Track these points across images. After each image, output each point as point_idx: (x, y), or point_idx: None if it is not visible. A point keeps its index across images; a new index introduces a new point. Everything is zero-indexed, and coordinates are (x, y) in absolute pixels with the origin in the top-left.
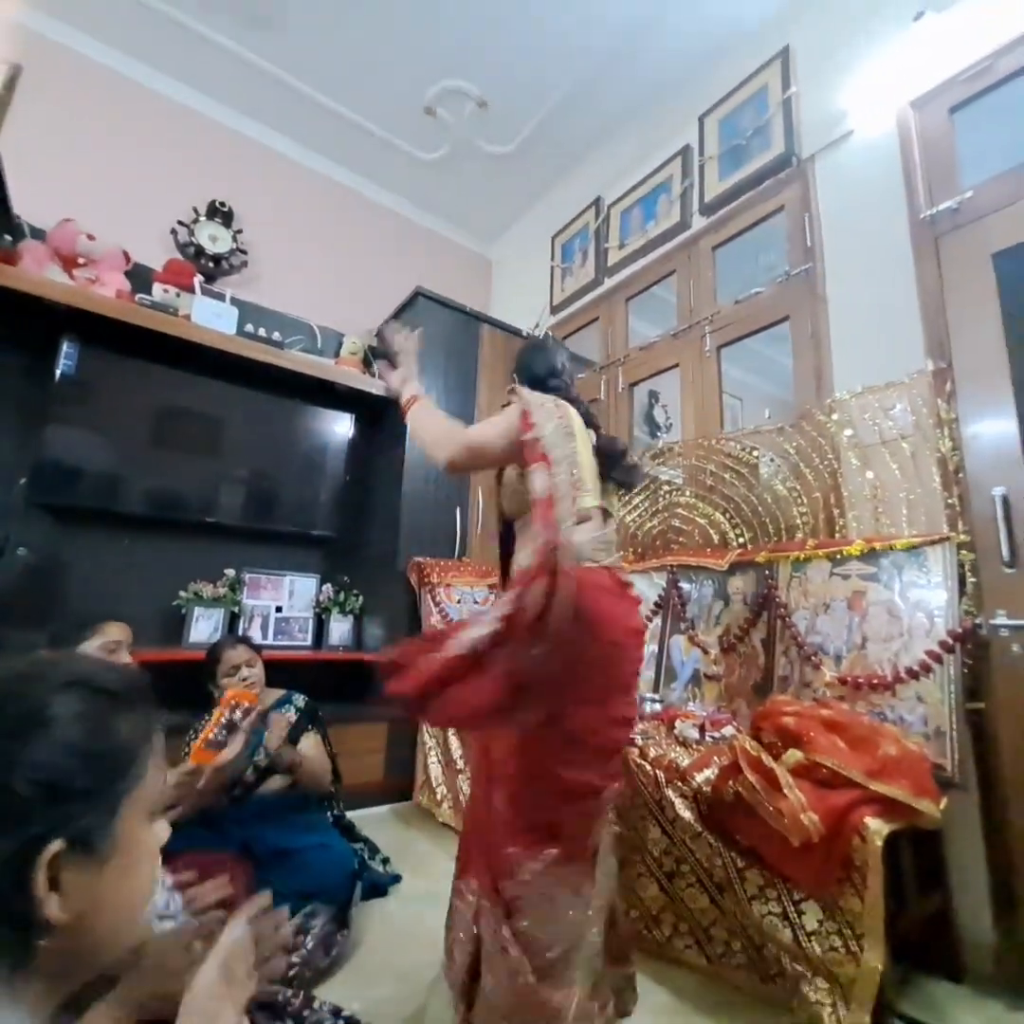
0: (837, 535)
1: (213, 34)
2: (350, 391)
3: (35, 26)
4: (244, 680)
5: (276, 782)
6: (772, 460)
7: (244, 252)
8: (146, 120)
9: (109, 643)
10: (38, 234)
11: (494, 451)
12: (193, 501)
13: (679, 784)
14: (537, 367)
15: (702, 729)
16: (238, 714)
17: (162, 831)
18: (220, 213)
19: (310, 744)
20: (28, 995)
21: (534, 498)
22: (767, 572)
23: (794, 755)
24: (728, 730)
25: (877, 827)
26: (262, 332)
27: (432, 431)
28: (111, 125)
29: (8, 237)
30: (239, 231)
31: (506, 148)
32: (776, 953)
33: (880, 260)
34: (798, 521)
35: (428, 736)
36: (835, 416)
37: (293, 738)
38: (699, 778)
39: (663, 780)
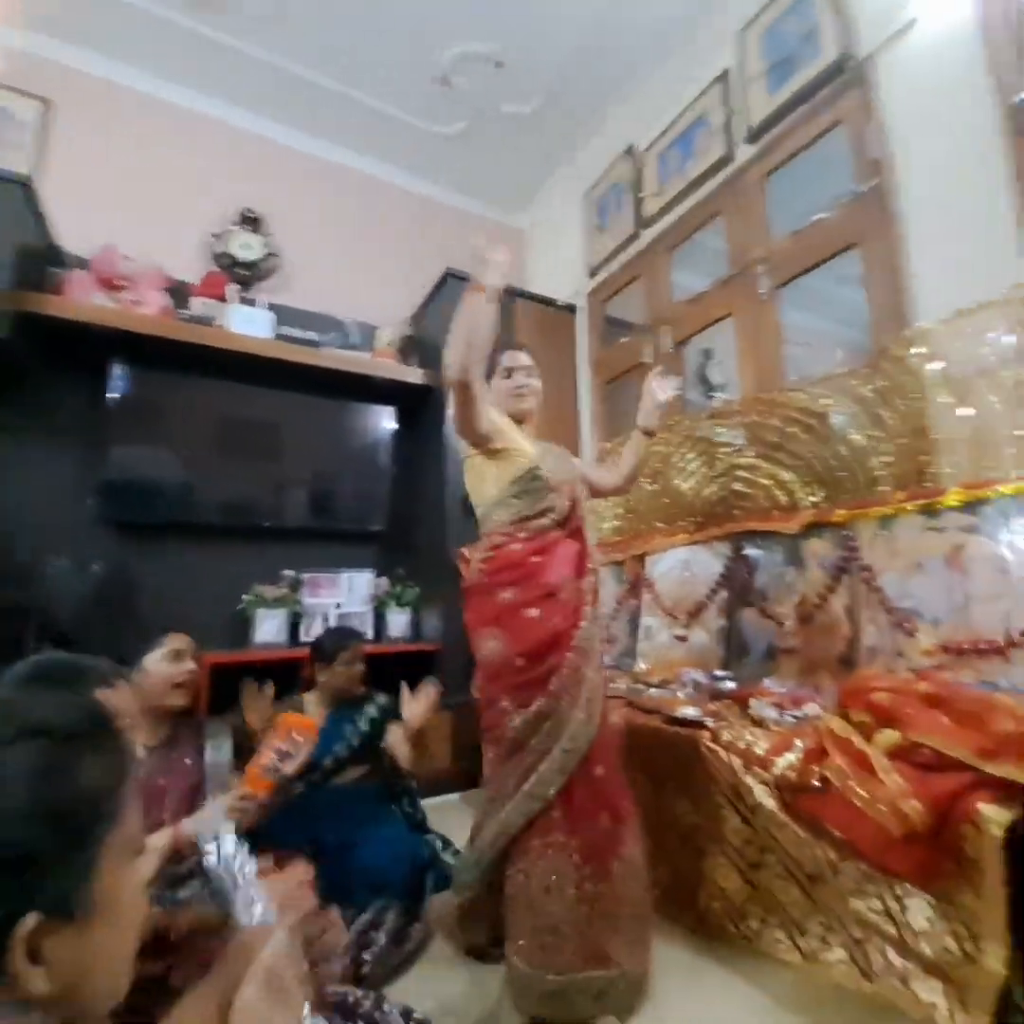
0: (928, 485)
1: (220, 35)
2: (389, 383)
3: (59, 58)
4: (358, 671)
5: (351, 773)
6: (846, 409)
7: (276, 256)
8: (170, 136)
9: (171, 652)
10: (84, 264)
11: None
12: (246, 506)
13: (758, 770)
14: None
15: (780, 707)
16: (291, 748)
17: (147, 864)
18: (250, 221)
19: (396, 738)
20: None
21: None
22: (846, 533)
23: (889, 735)
24: (810, 708)
25: (994, 814)
26: (297, 333)
27: (464, 332)
28: (139, 146)
29: (54, 269)
30: (269, 235)
31: (529, 106)
32: (882, 948)
33: (962, 161)
34: (880, 473)
35: None
36: (919, 349)
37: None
38: (780, 763)
39: (739, 765)
